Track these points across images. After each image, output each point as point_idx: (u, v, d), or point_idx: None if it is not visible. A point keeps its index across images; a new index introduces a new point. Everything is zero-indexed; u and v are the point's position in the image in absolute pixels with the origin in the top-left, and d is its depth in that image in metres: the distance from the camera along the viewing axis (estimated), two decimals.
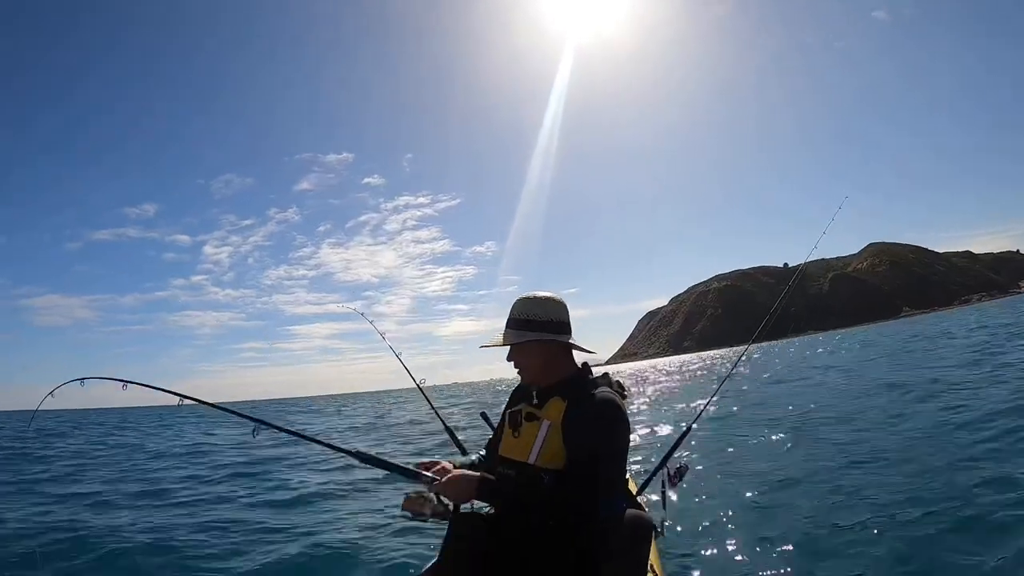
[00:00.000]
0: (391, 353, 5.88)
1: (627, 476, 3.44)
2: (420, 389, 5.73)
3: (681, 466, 4.96)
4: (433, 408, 5.72)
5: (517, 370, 3.24)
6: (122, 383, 3.85)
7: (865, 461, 7.31)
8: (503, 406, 3.42)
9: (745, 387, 19.30)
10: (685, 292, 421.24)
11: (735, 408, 14.53)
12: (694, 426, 5.45)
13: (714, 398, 5.91)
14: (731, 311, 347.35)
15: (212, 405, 3.83)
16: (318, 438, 3.55)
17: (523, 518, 2.89)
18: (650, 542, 2.98)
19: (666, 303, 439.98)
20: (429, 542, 5.84)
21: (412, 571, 3.46)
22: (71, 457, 16.01)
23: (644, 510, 3.13)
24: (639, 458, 8.47)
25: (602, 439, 2.88)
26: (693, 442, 8.68)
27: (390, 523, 6.85)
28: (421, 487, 3.12)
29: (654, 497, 4.91)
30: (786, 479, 7.04)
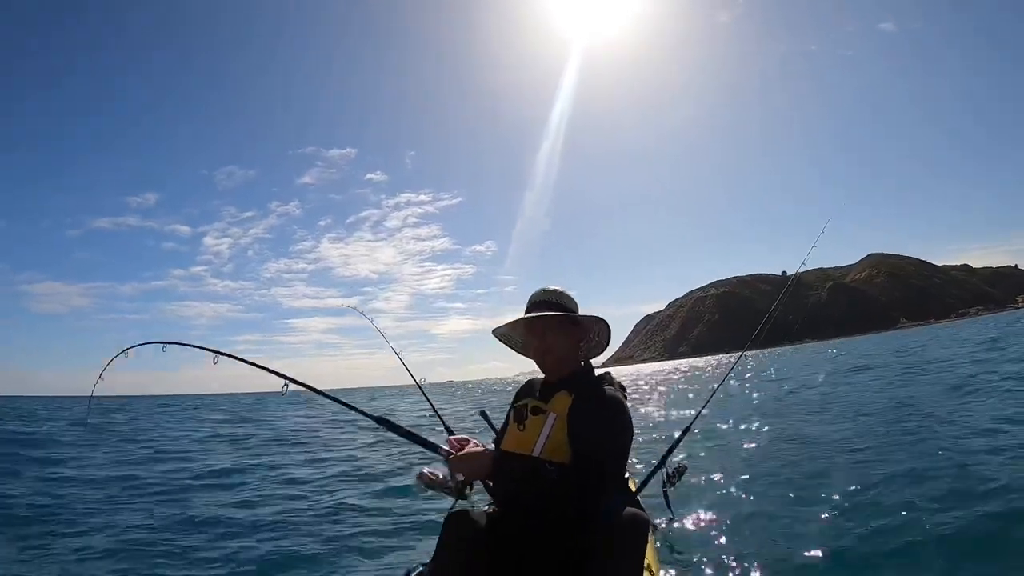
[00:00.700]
0: (388, 350, 5.90)
1: (627, 475, 3.48)
2: (421, 389, 5.72)
3: (680, 466, 5.02)
4: (433, 408, 5.75)
5: (541, 356, 3.24)
6: (162, 344, 4.03)
7: (864, 462, 7.35)
8: (493, 405, 3.44)
9: (742, 390, 19.26)
10: (683, 297, 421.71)
11: (733, 410, 14.55)
12: (693, 426, 5.51)
13: (712, 399, 5.97)
14: (728, 318, 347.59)
15: (250, 362, 3.87)
16: (342, 400, 3.57)
17: (524, 512, 2.92)
18: (647, 540, 3.00)
19: (663, 307, 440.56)
20: (427, 544, 5.87)
21: (407, 570, 3.49)
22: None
23: (643, 508, 3.14)
24: (638, 457, 8.51)
25: (606, 435, 2.91)
26: (692, 442, 8.70)
27: (386, 521, 6.88)
28: (439, 461, 3.16)
29: (653, 496, 4.97)
30: (785, 479, 7.08)
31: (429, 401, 5.76)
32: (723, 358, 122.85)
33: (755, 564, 4.83)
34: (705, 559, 5.05)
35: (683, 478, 5.06)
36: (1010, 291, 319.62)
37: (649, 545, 3.17)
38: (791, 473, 7.29)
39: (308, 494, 8.54)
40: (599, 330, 3.28)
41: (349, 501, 7.93)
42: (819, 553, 4.88)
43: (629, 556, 2.75)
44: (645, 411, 16.90)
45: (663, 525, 4.88)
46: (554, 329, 3.17)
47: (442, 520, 3.00)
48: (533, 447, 3.02)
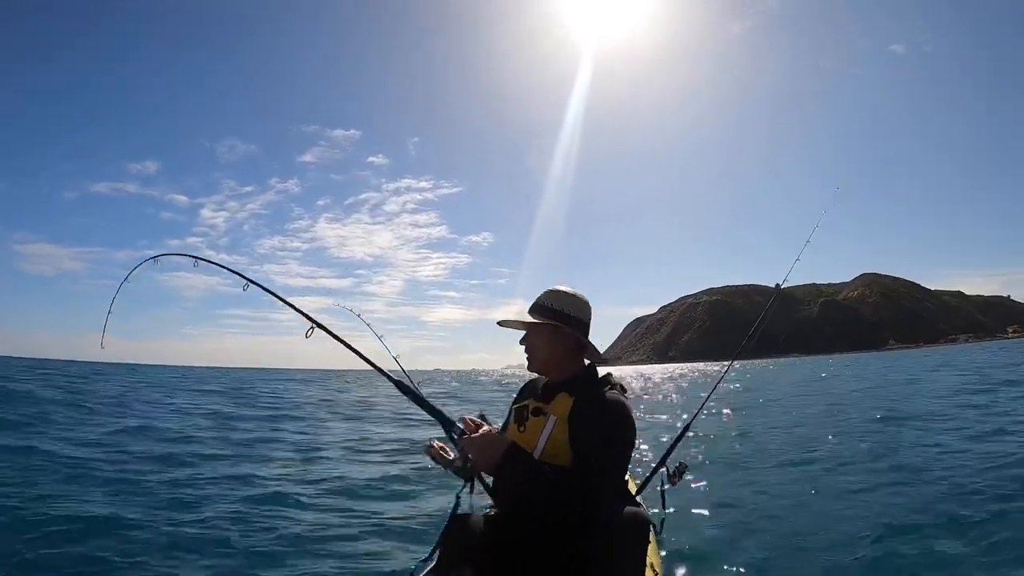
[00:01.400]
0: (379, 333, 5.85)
1: (627, 475, 3.46)
2: (417, 390, 5.65)
3: (680, 465, 5.00)
4: (424, 400, 5.72)
5: (527, 356, 3.17)
6: (193, 259, 4.01)
7: (863, 463, 7.38)
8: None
9: (739, 393, 19.27)
10: (675, 302, 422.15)
11: (731, 411, 14.56)
12: (692, 425, 5.51)
13: (710, 400, 5.95)
14: (719, 325, 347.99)
15: (276, 295, 3.84)
16: (366, 356, 3.51)
17: (526, 515, 2.90)
18: (649, 540, 2.98)
19: (655, 311, 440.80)
20: (428, 547, 5.82)
21: (409, 574, 3.47)
22: None
23: (643, 509, 3.12)
24: (638, 457, 8.50)
25: (608, 438, 2.86)
26: (691, 442, 8.67)
27: (385, 523, 6.85)
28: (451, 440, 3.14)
29: (653, 496, 4.97)
30: (784, 480, 7.09)
31: (428, 402, 5.71)
32: (712, 366, 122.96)
33: (756, 563, 4.85)
34: (708, 558, 5.06)
35: (684, 477, 5.05)
36: (1000, 321, 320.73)
37: (651, 545, 3.15)
38: (794, 473, 7.33)
39: (305, 495, 8.51)
40: (573, 340, 3.22)
41: (347, 503, 7.90)
42: (819, 552, 4.90)
43: (631, 557, 2.71)
44: (644, 410, 16.93)
45: (664, 525, 4.87)
46: (540, 334, 3.15)
47: (443, 524, 2.98)
48: (534, 449, 2.95)
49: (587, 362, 3.16)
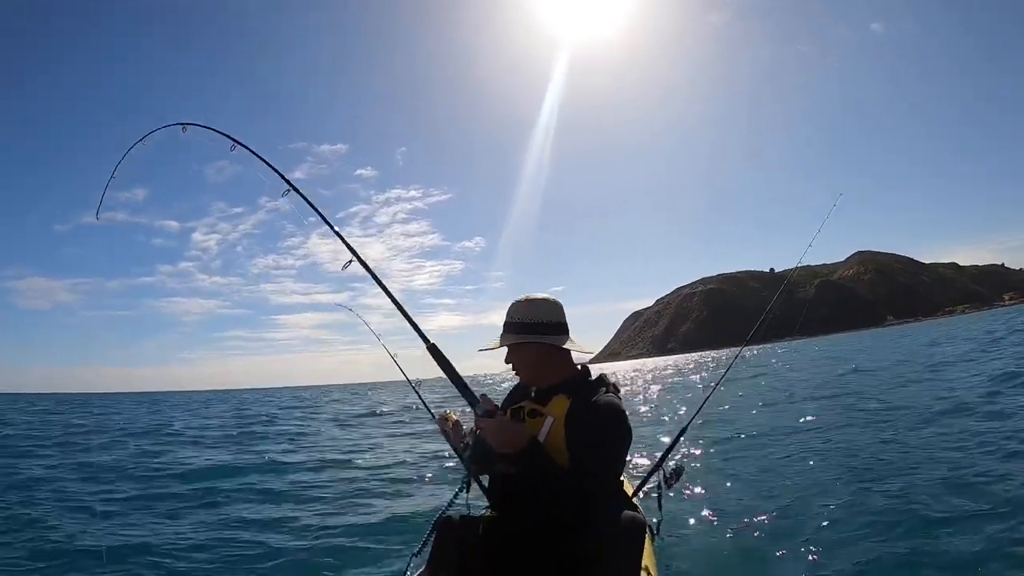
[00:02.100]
0: (375, 345, 5.82)
1: (623, 477, 3.44)
2: (416, 390, 5.66)
3: (677, 467, 4.97)
4: (426, 405, 5.71)
5: (515, 371, 3.25)
6: (231, 142, 4.30)
7: (862, 464, 7.34)
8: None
9: (741, 392, 19.27)
10: (671, 294, 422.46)
11: (731, 411, 14.53)
12: (691, 426, 5.46)
13: (709, 399, 5.93)
14: (716, 314, 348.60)
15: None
16: (405, 311, 3.53)
17: (520, 517, 2.92)
18: (644, 543, 2.98)
19: (651, 304, 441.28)
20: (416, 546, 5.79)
21: (400, 574, 3.47)
22: None
23: (639, 511, 3.12)
24: (634, 459, 8.47)
25: (604, 440, 2.87)
26: (689, 443, 8.66)
27: (377, 526, 6.83)
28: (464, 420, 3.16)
29: (650, 498, 4.93)
30: (783, 481, 7.06)
31: (424, 402, 5.72)
32: (711, 354, 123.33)
33: (755, 565, 4.81)
34: (704, 561, 5.03)
35: (681, 479, 5.01)
36: (996, 289, 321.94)
37: (647, 547, 3.15)
38: (793, 474, 7.29)
39: (299, 495, 8.50)
40: (554, 346, 3.19)
41: (340, 505, 7.89)
42: (821, 550, 4.86)
43: (626, 559, 2.74)
44: (642, 410, 16.92)
45: (661, 527, 4.84)
46: (518, 352, 3.19)
47: (435, 525, 2.96)
48: None
49: (580, 364, 3.17)
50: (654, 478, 4.88)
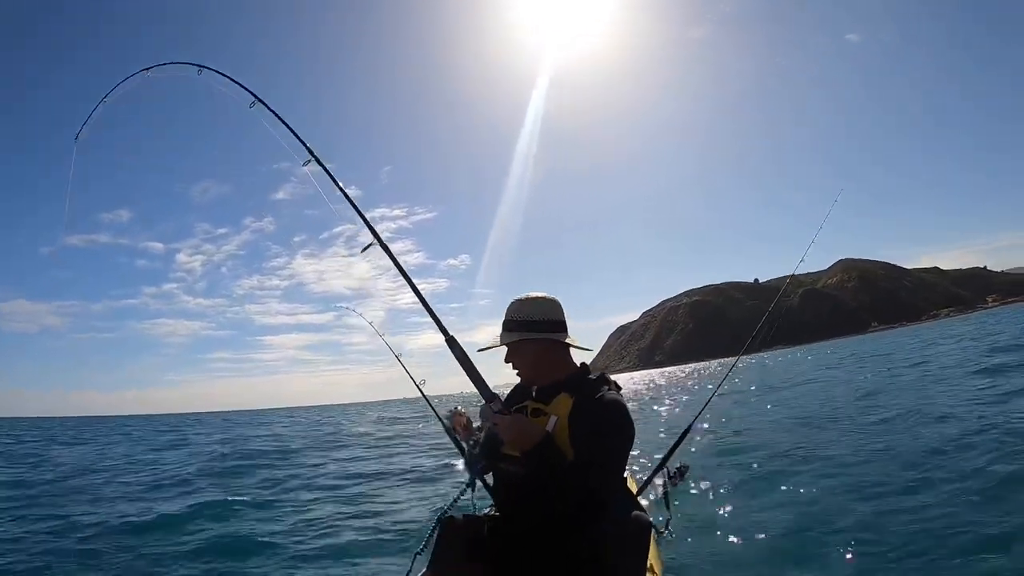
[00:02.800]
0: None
1: (627, 476, 3.44)
2: (422, 393, 5.65)
3: (681, 466, 4.98)
4: (433, 408, 5.70)
5: (515, 371, 3.27)
6: (197, 68, 4.05)
7: (863, 464, 7.34)
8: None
9: (743, 391, 19.33)
10: (656, 307, 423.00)
11: (731, 410, 14.58)
12: (695, 425, 5.46)
13: (712, 398, 5.94)
14: (702, 326, 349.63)
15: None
16: (424, 297, 3.55)
17: (524, 516, 2.94)
18: (649, 542, 2.99)
19: (637, 318, 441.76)
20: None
21: (404, 574, 3.47)
22: None
23: (644, 510, 3.13)
24: (638, 457, 8.46)
25: (609, 438, 2.87)
26: (692, 443, 8.67)
27: (381, 523, 6.81)
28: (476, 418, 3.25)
29: (654, 497, 4.90)
30: (785, 480, 7.05)
31: (431, 406, 5.71)
32: (699, 366, 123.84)
33: (759, 565, 4.78)
34: (709, 560, 5.00)
35: (685, 478, 5.01)
36: (979, 292, 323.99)
37: (651, 547, 3.16)
38: (795, 473, 7.27)
39: (300, 495, 8.48)
40: (553, 343, 3.19)
41: (341, 505, 7.87)
42: (822, 551, 4.83)
43: (631, 559, 2.80)
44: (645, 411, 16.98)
45: (665, 526, 4.82)
46: (518, 350, 3.24)
47: (436, 526, 2.96)
48: None
49: (580, 362, 3.17)
50: (658, 477, 4.89)
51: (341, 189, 3.74)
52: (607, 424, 2.89)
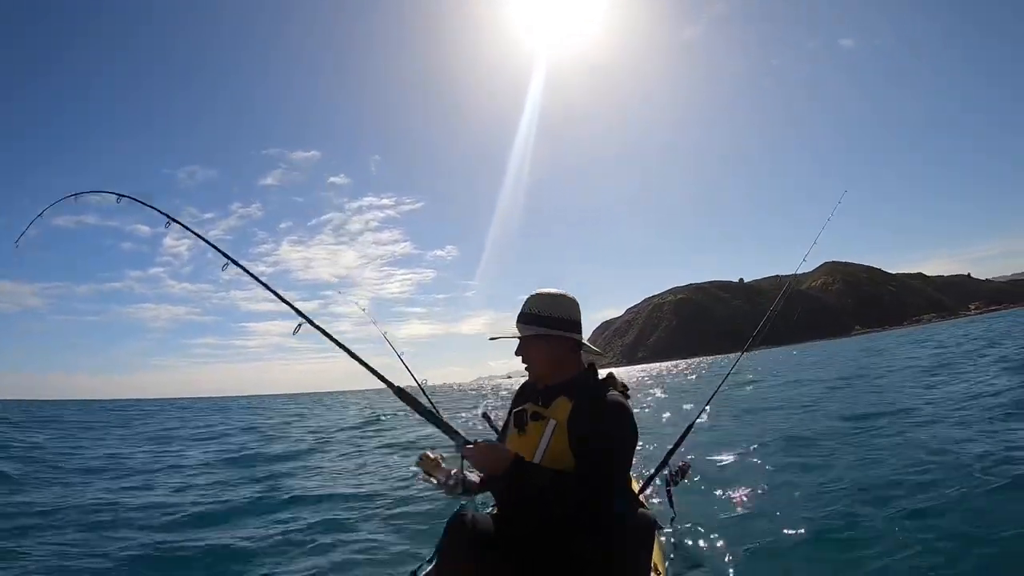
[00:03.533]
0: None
1: (630, 475, 3.44)
2: (422, 389, 5.65)
3: (683, 465, 4.98)
4: (433, 406, 5.70)
5: (524, 365, 3.23)
6: (116, 196, 4.10)
7: (864, 463, 7.37)
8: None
9: (746, 389, 19.39)
10: (641, 303, 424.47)
11: (733, 409, 14.61)
12: (697, 423, 5.47)
13: (714, 397, 5.95)
14: (685, 323, 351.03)
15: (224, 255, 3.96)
16: (359, 355, 3.47)
17: (531, 515, 2.88)
18: (653, 541, 2.99)
19: (622, 313, 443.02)
20: (430, 546, 5.74)
21: (411, 573, 3.46)
22: None
23: (646, 509, 3.13)
24: (641, 457, 8.49)
25: (609, 441, 2.84)
26: (694, 442, 8.70)
27: (388, 523, 6.82)
28: (449, 451, 3.15)
29: (656, 496, 4.92)
30: (787, 479, 7.08)
31: (430, 400, 5.68)
32: (681, 363, 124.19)
33: (762, 563, 4.80)
34: (711, 558, 5.01)
35: (687, 476, 5.02)
36: (962, 299, 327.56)
37: (655, 546, 3.16)
38: (797, 473, 7.30)
39: (306, 493, 8.46)
40: (567, 342, 3.18)
41: (349, 503, 7.86)
42: (823, 550, 4.86)
43: (634, 558, 2.80)
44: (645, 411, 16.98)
45: (668, 525, 4.83)
46: (532, 343, 3.16)
47: (445, 523, 2.95)
48: (534, 453, 2.97)
49: (587, 363, 3.14)
50: (660, 476, 4.91)
51: (263, 283, 3.82)
52: (608, 428, 2.86)
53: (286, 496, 8.56)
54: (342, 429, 18.91)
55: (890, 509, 5.48)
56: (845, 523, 5.34)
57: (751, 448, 9.03)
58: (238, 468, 11.24)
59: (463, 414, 19.63)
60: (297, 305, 3.59)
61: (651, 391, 27.15)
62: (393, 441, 14.54)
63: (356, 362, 3.51)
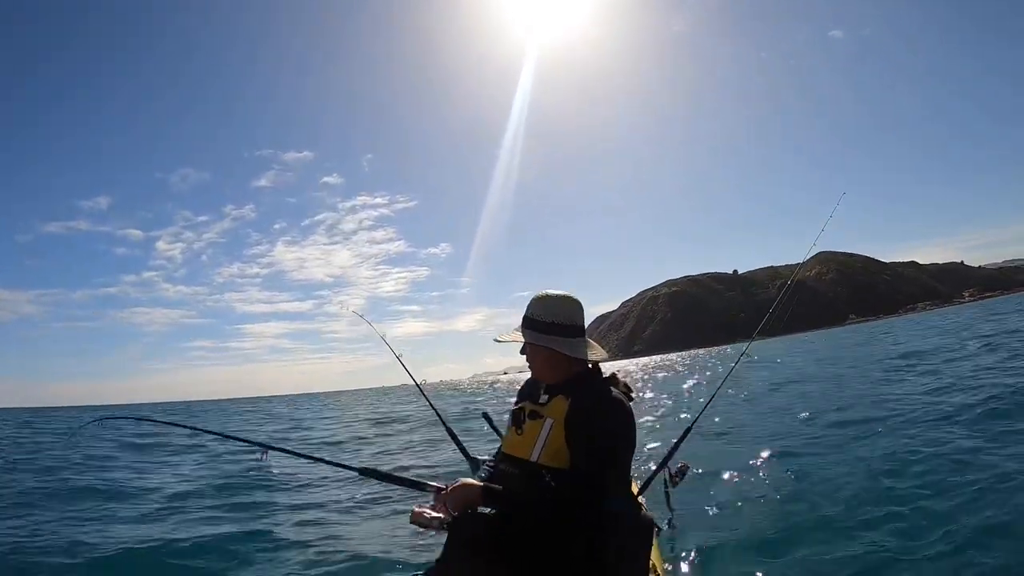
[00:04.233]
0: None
1: (630, 476, 3.44)
2: (421, 390, 5.62)
3: (682, 466, 4.98)
4: (432, 406, 5.67)
5: (528, 365, 3.28)
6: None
7: (862, 462, 7.37)
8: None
9: (748, 389, 19.44)
10: (635, 297, 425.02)
11: (734, 408, 14.61)
12: (695, 426, 5.47)
13: (715, 397, 5.94)
14: (681, 316, 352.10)
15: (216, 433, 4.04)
16: (325, 457, 3.61)
17: (526, 518, 2.88)
18: (651, 541, 3.01)
19: (616, 307, 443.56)
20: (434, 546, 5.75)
21: (413, 574, 3.50)
22: None
23: (645, 509, 3.15)
24: (640, 458, 8.47)
25: (605, 438, 2.89)
26: (693, 442, 8.72)
27: (393, 528, 6.82)
28: (429, 499, 3.33)
29: (655, 497, 4.90)
30: (785, 480, 7.07)
31: (429, 402, 5.67)
32: (676, 356, 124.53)
33: (760, 564, 4.79)
34: (709, 559, 5.02)
35: (686, 478, 5.02)
36: (956, 286, 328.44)
37: (653, 546, 3.18)
38: (795, 472, 7.30)
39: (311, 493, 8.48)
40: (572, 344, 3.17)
41: (352, 501, 7.86)
42: (823, 550, 4.85)
43: (632, 558, 2.88)
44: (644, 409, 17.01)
45: (666, 525, 4.82)
46: (531, 345, 3.22)
47: (449, 523, 2.97)
48: (531, 452, 3.05)
49: (591, 362, 3.16)
50: (659, 477, 4.91)
51: (318, 459, 4.00)
52: (603, 427, 2.90)
53: (277, 494, 8.59)
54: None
55: (890, 508, 5.49)
56: (845, 523, 5.36)
57: (750, 449, 9.03)
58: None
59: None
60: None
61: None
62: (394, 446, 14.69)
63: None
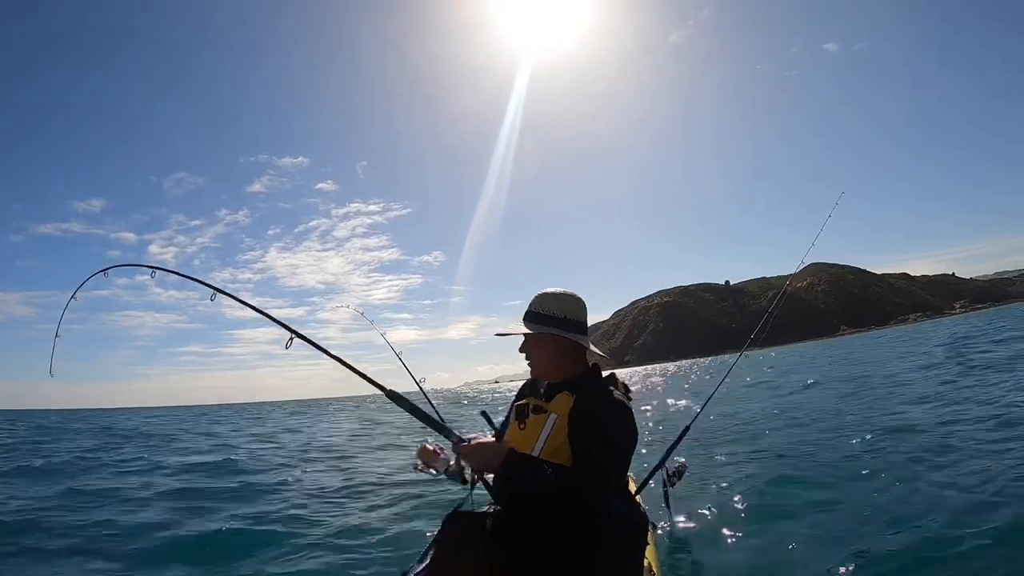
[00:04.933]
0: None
1: (628, 476, 3.47)
2: (422, 390, 5.67)
3: (680, 465, 5.03)
4: (432, 406, 5.72)
5: (528, 362, 3.27)
6: (151, 270, 4.49)
7: (861, 460, 7.41)
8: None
9: (743, 394, 19.47)
10: (627, 307, 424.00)
11: (730, 410, 14.65)
12: (692, 426, 5.51)
13: (712, 397, 5.98)
14: (672, 326, 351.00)
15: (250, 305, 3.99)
16: (349, 363, 3.50)
17: (527, 511, 2.92)
18: (647, 540, 3.02)
19: (608, 317, 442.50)
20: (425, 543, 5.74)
21: (403, 572, 3.49)
22: None
23: (642, 509, 3.17)
24: (638, 457, 8.51)
25: (607, 437, 2.90)
26: (692, 443, 8.74)
27: (382, 519, 6.83)
28: (444, 446, 3.26)
29: (652, 496, 4.94)
30: (783, 481, 7.11)
31: (430, 401, 5.72)
32: (669, 366, 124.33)
33: (757, 563, 4.83)
34: (705, 559, 5.06)
35: (683, 477, 5.06)
36: (947, 298, 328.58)
37: (649, 545, 3.21)
38: (794, 473, 7.34)
39: (296, 494, 8.46)
40: (571, 342, 3.20)
41: (342, 499, 7.86)
42: (822, 550, 4.88)
43: (629, 557, 2.89)
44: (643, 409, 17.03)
45: (663, 525, 4.86)
46: (536, 341, 3.23)
47: (440, 519, 2.99)
48: (533, 447, 3.04)
49: (591, 362, 3.20)
50: (657, 476, 4.94)
51: (252, 306, 3.89)
52: (607, 426, 2.91)
53: (269, 489, 8.60)
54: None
55: (886, 505, 5.55)
56: (841, 523, 5.39)
57: (748, 450, 9.08)
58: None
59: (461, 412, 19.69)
60: (284, 315, 3.62)
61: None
62: (388, 443, 14.73)
63: (348, 369, 3.53)
